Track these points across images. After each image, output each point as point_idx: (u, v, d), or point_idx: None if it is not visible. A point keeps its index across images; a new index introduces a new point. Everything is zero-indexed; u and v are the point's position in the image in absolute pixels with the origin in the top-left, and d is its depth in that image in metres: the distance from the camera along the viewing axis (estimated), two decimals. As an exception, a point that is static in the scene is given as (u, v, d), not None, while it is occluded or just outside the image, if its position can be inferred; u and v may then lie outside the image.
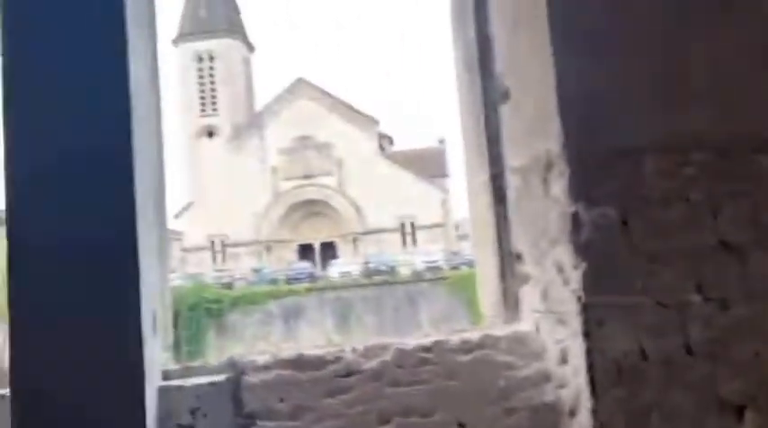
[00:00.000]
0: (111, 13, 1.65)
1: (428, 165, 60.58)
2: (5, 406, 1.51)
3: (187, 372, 1.89)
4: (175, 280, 46.87)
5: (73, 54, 1.60)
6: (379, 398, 1.82)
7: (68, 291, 1.51)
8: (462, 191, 2.58)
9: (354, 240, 57.38)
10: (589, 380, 1.74)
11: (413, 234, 57.72)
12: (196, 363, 1.91)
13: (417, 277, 42.79)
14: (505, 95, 2.17)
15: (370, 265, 46.39)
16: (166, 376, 1.87)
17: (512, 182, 2.14)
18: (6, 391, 1.53)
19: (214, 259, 57.90)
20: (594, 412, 1.73)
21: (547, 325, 1.95)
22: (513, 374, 1.89)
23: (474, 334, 1.95)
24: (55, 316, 1.49)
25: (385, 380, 1.84)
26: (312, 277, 45.48)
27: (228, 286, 45.23)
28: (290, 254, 57.50)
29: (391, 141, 67.59)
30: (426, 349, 1.89)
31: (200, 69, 62.66)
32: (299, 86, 60.32)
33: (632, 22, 1.90)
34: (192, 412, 1.74)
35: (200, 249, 57.97)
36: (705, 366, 1.77)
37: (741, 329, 1.78)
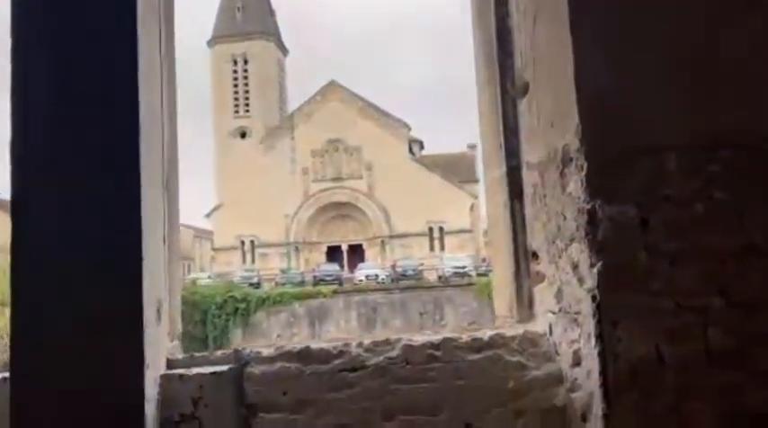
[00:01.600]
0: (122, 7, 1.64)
1: (458, 170, 60.34)
2: (6, 389, 1.51)
3: (192, 362, 1.87)
4: (205, 279, 47.58)
5: (82, 42, 1.60)
6: (384, 395, 1.78)
7: (69, 276, 1.50)
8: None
9: (382, 243, 57.35)
10: (602, 384, 1.67)
11: (441, 239, 57.46)
12: (201, 353, 1.90)
13: (444, 282, 42.56)
14: (524, 90, 2.11)
15: (398, 269, 46.31)
16: (172, 365, 1.86)
17: (528, 179, 2.08)
18: (6, 374, 1.53)
19: (243, 259, 58.44)
20: (606, 417, 1.66)
21: (560, 325, 1.89)
22: (523, 375, 1.83)
23: (484, 333, 1.89)
24: (55, 300, 1.49)
25: (390, 377, 1.80)
26: (339, 279, 45.52)
27: (256, 286, 45.58)
28: (319, 255, 57.79)
29: (422, 145, 67.48)
30: (434, 346, 1.84)
31: (235, 71, 63.44)
32: (331, 89, 60.66)
33: (657, 15, 1.83)
34: (195, 401, 1.72)
35: (230, 249, 58.59)
36: (727, 374, 1.69)
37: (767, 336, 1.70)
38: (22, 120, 1.53)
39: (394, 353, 1.83)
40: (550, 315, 1.95)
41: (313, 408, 1.76)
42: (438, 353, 1.83)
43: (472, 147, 65.63)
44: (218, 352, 1.88)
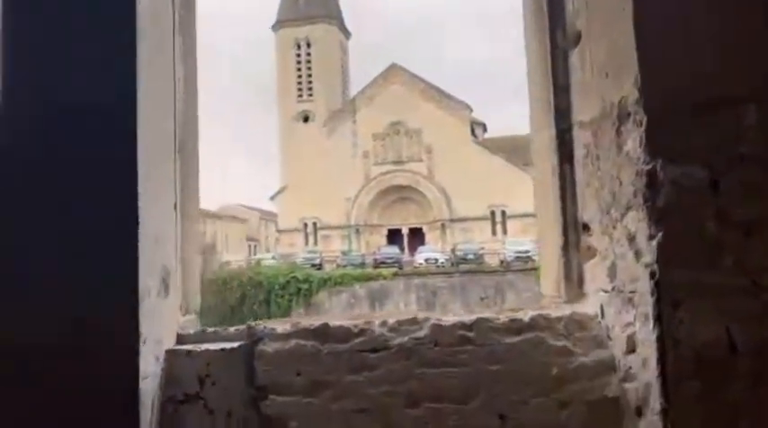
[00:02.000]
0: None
1: (522, 153, 58.88)
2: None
3: (204, 338, 1.74)
4: (269, 259, 48.59)
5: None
6: (409, 379, 1.59)
7: (56, 246, 1.38)
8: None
9: (442, 227, 56.83)
10: (660, 374, 1.43)
11: (503, 222, 56.41)
12: (214, 328, 1.76)
13: (506, 267, 41.84)
14: (576, 39, 1.86)
15: (458, 253, 45.83)
16: (182, 340, 1.73)
17: (580, 139, 1.84)
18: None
19: (306, 241, 59.17)
20: (665, 412, 1.42)
21: (613, 306, 1.65)
22: (569, 361, 1.61)
23: (525, 314, 1.68)
24: (44, 269, 1.37)
25: (416, 359, 1.61)
26: (399, 262, 45.48)
27: (318, 267, 46.14)
28: (379, 238, 57.86)
29: (485, 128, 66.19)
30: (467, 326, 1.64)
31: (298, 55, 63.84)
32: (393, 72, 60.17)
33: (735, -58, 1.54)
34: (201, 379, 1.58)
35: (293, 231, 59.47)
36: (813, 365, 1.42)
37: None
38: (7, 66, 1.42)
39: (421, 334, 1.63)
40: (602, 294, 1.71)
41: (329, 391, 1.59)
42: (471, 335, 1.63)
43: (536, 128, 63.89)
44: (232, 328, 1.74)
